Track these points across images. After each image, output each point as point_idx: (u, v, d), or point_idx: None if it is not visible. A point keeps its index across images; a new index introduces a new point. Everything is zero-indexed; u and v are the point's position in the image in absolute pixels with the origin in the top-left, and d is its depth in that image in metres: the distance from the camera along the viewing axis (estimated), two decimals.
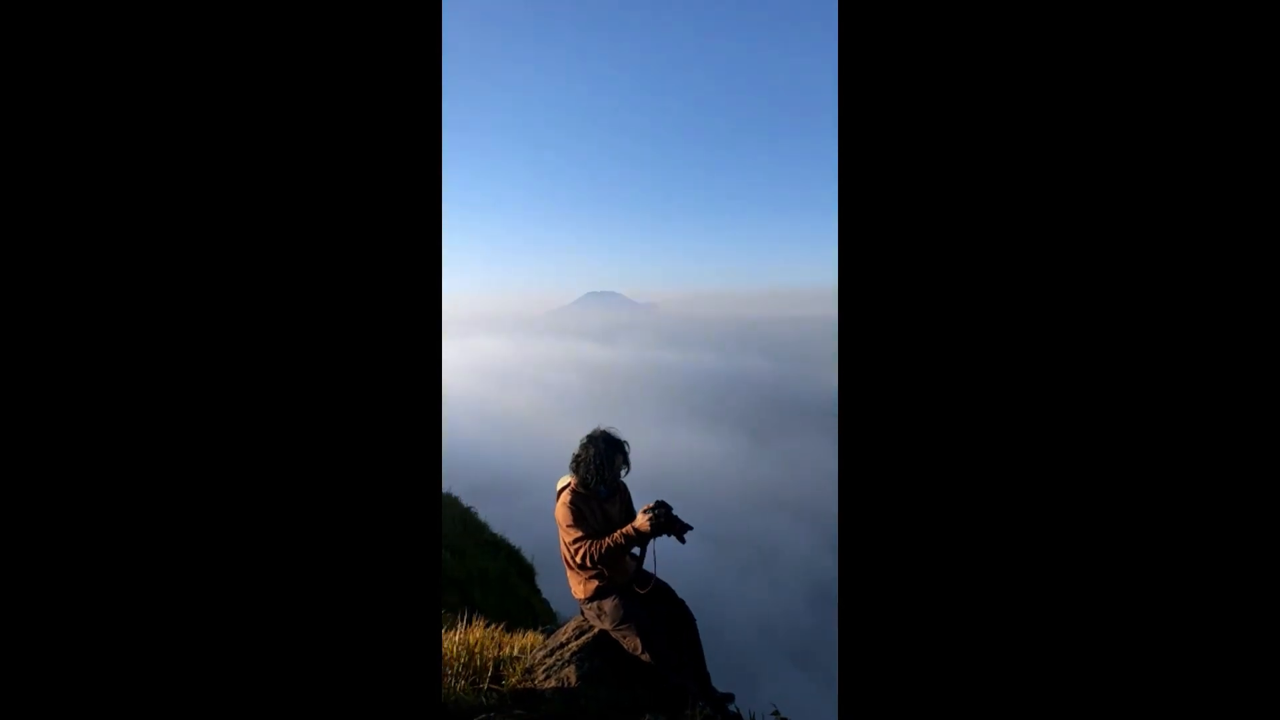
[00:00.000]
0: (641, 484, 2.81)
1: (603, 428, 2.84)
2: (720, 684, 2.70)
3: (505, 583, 12.19)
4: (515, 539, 13.72)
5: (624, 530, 2.60)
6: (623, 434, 2.86)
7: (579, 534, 2.65)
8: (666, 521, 2.54)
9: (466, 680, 2.71)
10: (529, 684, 2.61)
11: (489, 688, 2.62)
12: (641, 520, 2.55)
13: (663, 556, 2.78)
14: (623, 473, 2.84)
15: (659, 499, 2.58)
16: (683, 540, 2.56)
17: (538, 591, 12.96)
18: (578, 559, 2.64)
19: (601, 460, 2.74)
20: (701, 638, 2.81)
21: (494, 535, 14.39)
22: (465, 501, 14.73)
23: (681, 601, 2.85)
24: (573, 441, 2.84)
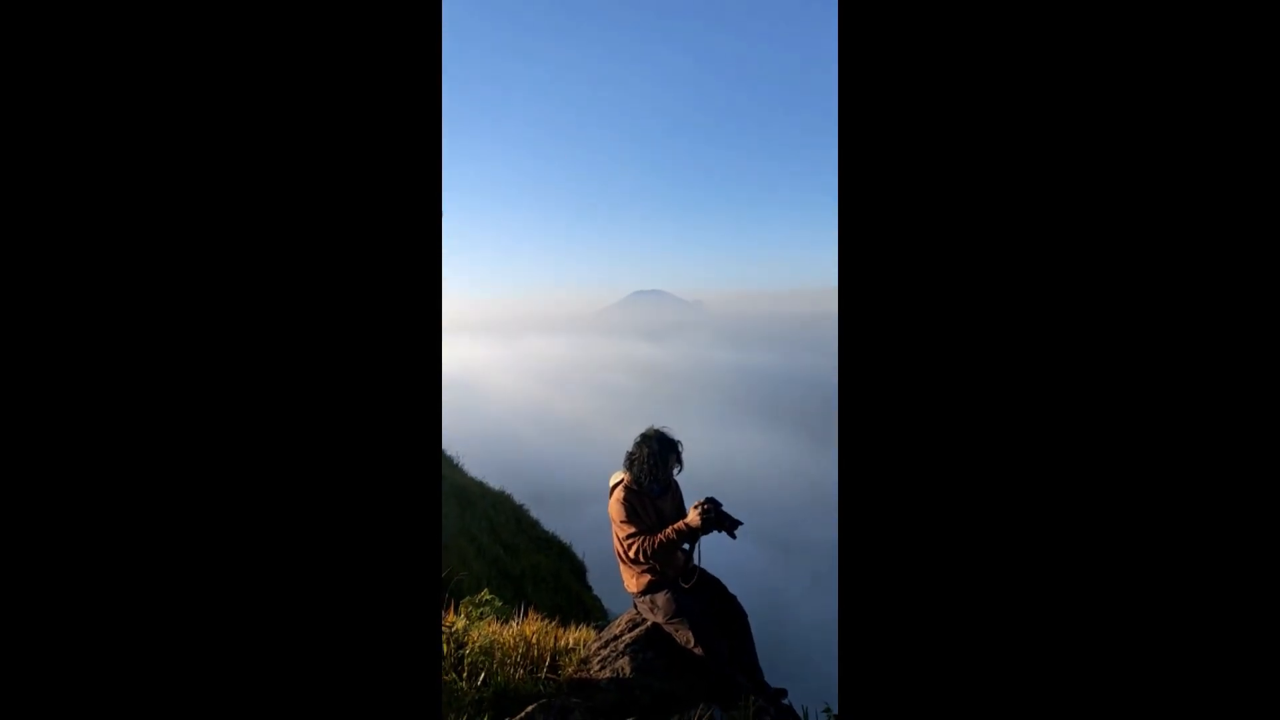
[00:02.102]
0: (702, 487, 2.85)
1: (657, 427, 2.91)
2: (792, 692, 2.73)
3: (558, 579, 12.38)
4: (576, 546, 13.86)
5: (676, 526, 2.66)
6: (676, 433, 2.92)
7: (632, 529, 2.72)
8: (717, 517, 2.60)
9: (525, 670, 2.82)
10: (584, 674, 2.69)
11: (546, 677, 2.71)
12: (693, 516, 2.62)
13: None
14: (675, 471, 2.91)
15: (709, 495, 2.64)
16: (733, 535, 2.62)
17: (589, 588, 13.10)
18: (631, 554, 2.71)
19: (655, 460, 2.81)
20: (772, 649, 2.84)
21: (546, 533, 14.61)
22: (530, 510, 14.97)
23: (733, 597, 2.90)
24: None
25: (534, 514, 14.93)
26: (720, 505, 2.63)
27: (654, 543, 2.66)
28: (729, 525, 2.62)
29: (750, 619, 2.87)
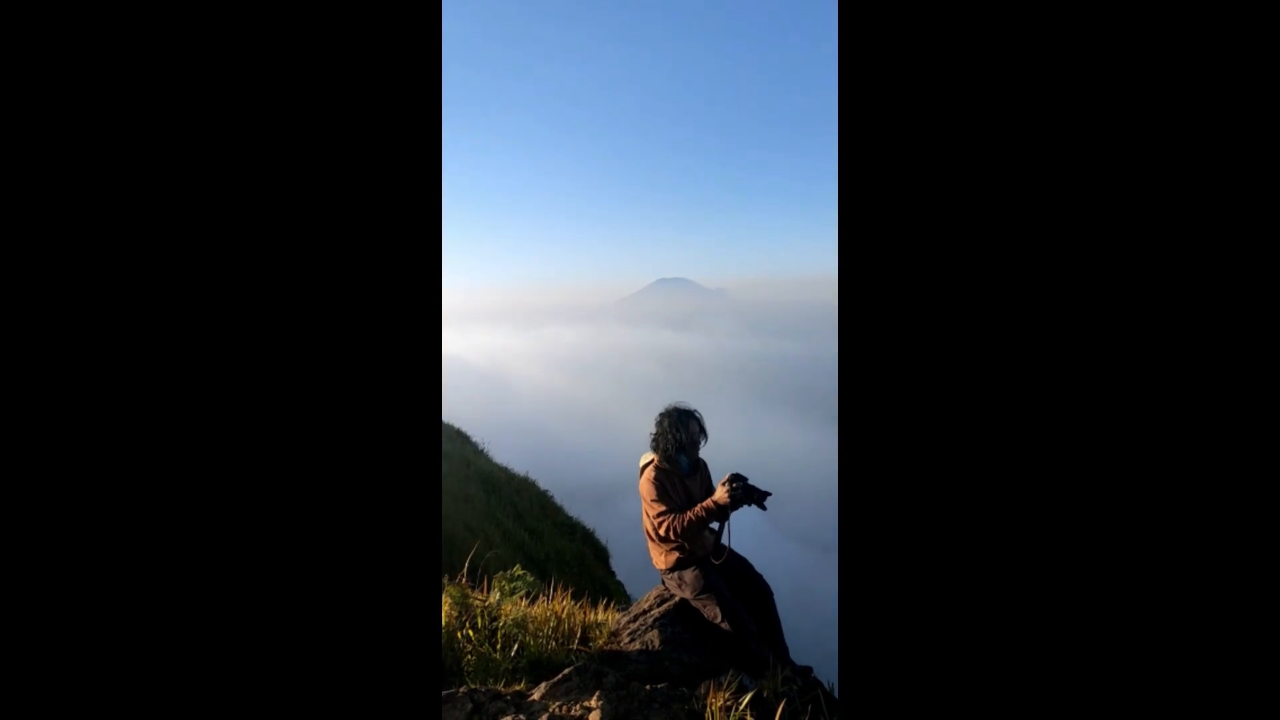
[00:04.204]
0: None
1: (671, 404, 3.00)
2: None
3: (582, 563, 12.54)
4: (611, 542, 13.92)
5: (704, 504, 2.71)
6: (692, 405, 3.02)
7: (663, 508, 2.78)
8: (745, 493, 2.65)
9: (557, 642, 2.90)
10: (615, 646, 2.76)
11: (577, 648, 2.79)
12: (720, 493, 2.67)
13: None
14: (700, 441, 2.98)
15: (734, 472, 2.69)
16: (763, 507, 2.67)
17: (612, 574, 13.22)
18: (661, 531, 2.77)
19: (676, 428, 2.90)
20: (806, 644, 2.89)
21: (569, 518, 14.77)
22: (554, 497, 15.09)
23: (759, 575, 2.95)
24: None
25: (569, 510, 15.06)
26: (746, 480, 2.67)
27: (683, 521, 2.71)
28: (757, 498, 2.66)
29: (785, 617, 2.93)
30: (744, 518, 2.93)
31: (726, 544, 2.86)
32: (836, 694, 2.48)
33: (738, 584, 2.87)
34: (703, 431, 2.97)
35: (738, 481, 2.66)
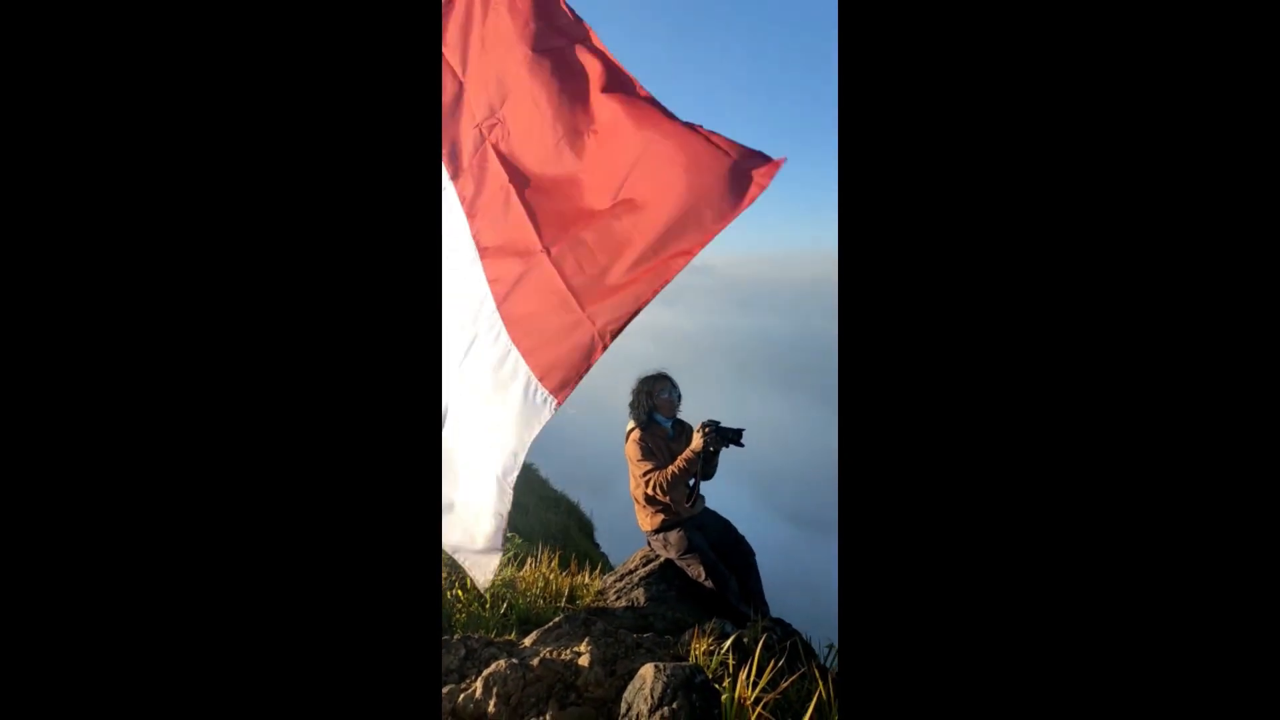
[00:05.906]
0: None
1: (644, 371, 3.17)
2: None
3: (566, 536, 12.64)
4: (609, 530, 14.01)
5: (684, 455, 2.83)
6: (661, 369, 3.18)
7: (649, 466, 2.88)
8: (718, 434, 2.79)
9: (545, 601, 3.00)
10: (601, 604, 2.85)
11: (565, 606, 2.88)
12: (696, 440, 2.80)
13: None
14: (676, 401, 3.12)
15: (706, 419, 2.85)
16: (740, 444, 2.82)
17: (596, 546, 13.36)
18: (649, 489, 2.86)
19: (646, 394, 3.06)
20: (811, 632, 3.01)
21: (554, 491, 14.83)
22: (539, 471, 15.14)
23: (742, 537, 3.06)
24: None
25: (553, 484, 15.13)
26: (719, 423, 2.83)
27: (668, 475, 2.82)
28: (731, 436, 2.81)
29: (776, 595, 3.04)
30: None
31: (701, 494, 2.99)
32: (816, 651, 2.59)
33: (721, 546, 2.97)
34: (673, 386, 3.11)
35: (710, 425, 2.81)
